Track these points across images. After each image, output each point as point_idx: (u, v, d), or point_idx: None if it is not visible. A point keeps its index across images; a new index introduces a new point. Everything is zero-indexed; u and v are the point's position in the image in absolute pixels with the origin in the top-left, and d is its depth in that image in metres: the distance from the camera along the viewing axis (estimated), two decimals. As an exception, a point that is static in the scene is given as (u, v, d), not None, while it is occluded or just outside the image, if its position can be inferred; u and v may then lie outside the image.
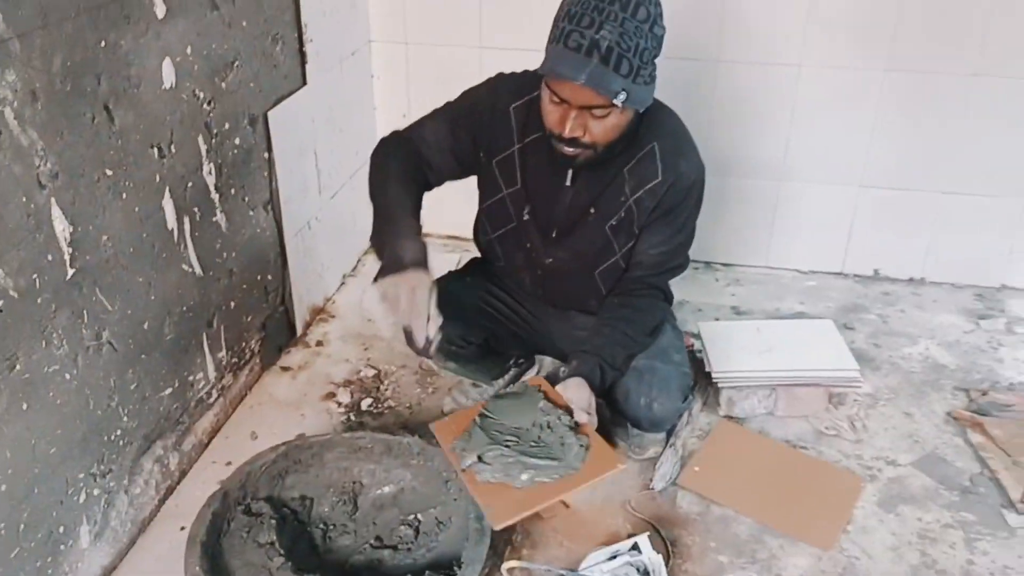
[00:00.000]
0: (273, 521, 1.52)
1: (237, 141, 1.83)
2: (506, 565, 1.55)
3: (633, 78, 1.42)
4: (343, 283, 2.47)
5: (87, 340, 1.43)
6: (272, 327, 2.09)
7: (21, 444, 1.31)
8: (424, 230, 2.73)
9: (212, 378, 1.85)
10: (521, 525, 1.66)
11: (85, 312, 1.41)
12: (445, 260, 2.56)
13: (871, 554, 1.63)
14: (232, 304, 1.89)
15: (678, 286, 1.83)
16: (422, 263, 1.52)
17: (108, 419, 1.51)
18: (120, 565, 1.59)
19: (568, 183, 1.64)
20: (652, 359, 1.72)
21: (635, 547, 1.51)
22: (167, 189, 1.60)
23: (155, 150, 1.55)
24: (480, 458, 1.48)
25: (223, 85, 1.75)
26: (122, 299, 1.50)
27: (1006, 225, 2.43)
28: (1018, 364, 2.18)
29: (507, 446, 1.49)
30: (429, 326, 1.48)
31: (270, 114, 1.94)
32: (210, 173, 1.74)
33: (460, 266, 2.02)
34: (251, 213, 1.93)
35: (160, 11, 1.51)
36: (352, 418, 1.96)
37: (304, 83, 2.10)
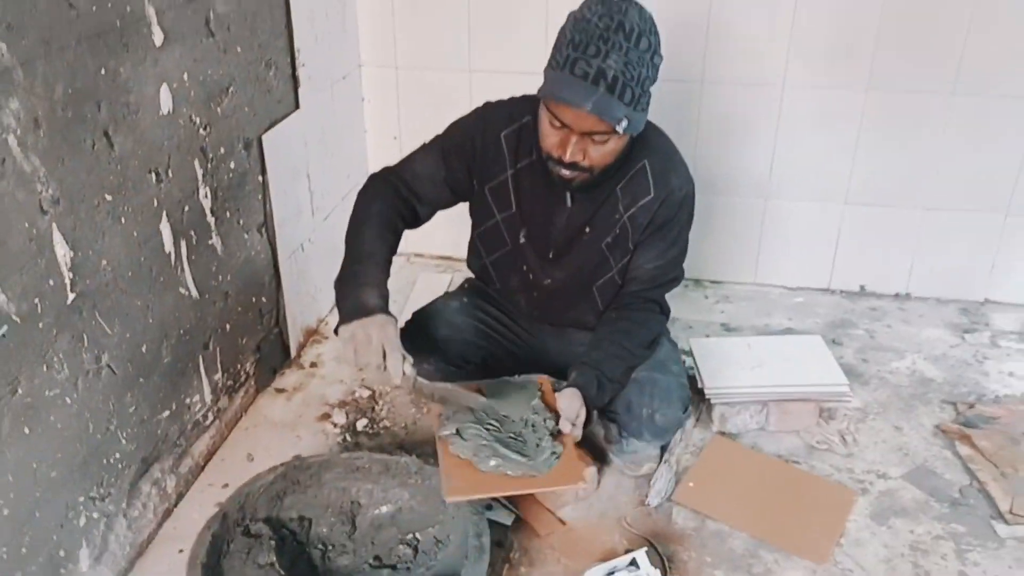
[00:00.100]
0: (272, 542, 1.53)
1: (232, 165, 1.85)
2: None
3: (634, 106, 1.47)
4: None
5: (87, 364, 1.44)
6: (267, 349, 2.10)
7: (23, 468, 1.31)
8: (416, 251, 2.79)
9: (208, 400, 1.85)
10: (519, 543, 1.68)
11: (85, 336, 1.42)
12: (437, 281, 2.59)
13: (865, 567, 1.65)
14: (227, 327, 1.90)
15: (670, 304, 1.86)
16: (385, 311, 1.55)
17: (107, 442, 1.52)
18: (119, 589, 1.59)
19: (563, 204, 1.68)
20: (652, 371, 1.76)
21: (633, 563, 1.52)
22: (164, 213, 1.61)
23: (153, 175, 1.57)
24: (459, 431, 1.56)
25: (218, 110, 1.77)
26: (121, 323, 1.51)
27: (988, 240, 2.47)
28: (1003, 377, 2.22)
29: (487, 429, 1.57)
30: (404, 363, 1.51)
31: (264, 138, 1.96)
32: (206, 197, 1.75)
33: (454, 287, 2.04)
34: (246, 236, 1.94)
35: (158, 39, 1.53)
36: (348, 439, 1.97)
37: (297, 107, 2.12)
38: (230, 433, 1.96)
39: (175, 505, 1.75)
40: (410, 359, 1.53)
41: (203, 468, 1.85)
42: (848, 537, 1.72)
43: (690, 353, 2.12)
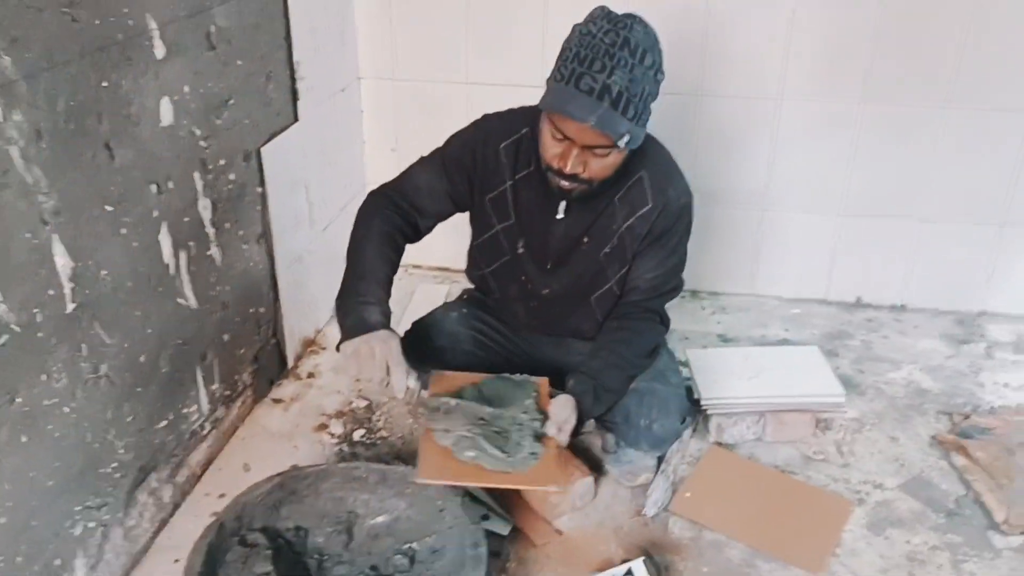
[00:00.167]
0: (268, 552, 1.53)
1: (232, 176, 1.86)
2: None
3: (636, 121, 1.49)
4: (334, 315, 2.49)
5: (85, 373, 1.45)
6: (264, 359, 2.11)
7: (20, 476, 1.32)
8: (414, 263, 2.80)
9: (205, 410, 1.86)
10: (515, 552, 1.68)
11: (84, 346, 1.43)
12: (435, 292, 2.60)
13: (861, 577, 1.66)
14: (225, 337, 1.91)
15: (665, 315, 1.88)
16: (387, 325, 1.58)
17: (104, 452, 1.52)
18: (115, 599, 1.59)
19: (561, 215, 1.69)
20: (651, 381, 1.77)
21: (629, 573, 1.53)
22: (164, 224, 1.63)
23: (153, 186, 1.58)
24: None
25: (218, 122, 1.78)
26: (120, 333, 1.52)
27: (984, 252, 2.49)
28: (998, 388, 2.23)
29: (474, 423, 1.59)
30: (408, 378, 1.53)
31: (263, 150, 1.98)
32: (205, 208, 1.77)
33: (451, 298, 2.05)
34: (244, 247, 1.95)
35: (159, 52, 1.55)
36: (345, 449, 1.97)
37: (296, 119, 2.14)
38: (227, 443, 1.96)
39: (171, 515, 1.76)
40: (414, 373, 1.55)
41: (200, 478, 1.86)
42: (844, 547, 1.72)
43: (687, 364, 2.13)
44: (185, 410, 1.78)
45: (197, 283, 1.76)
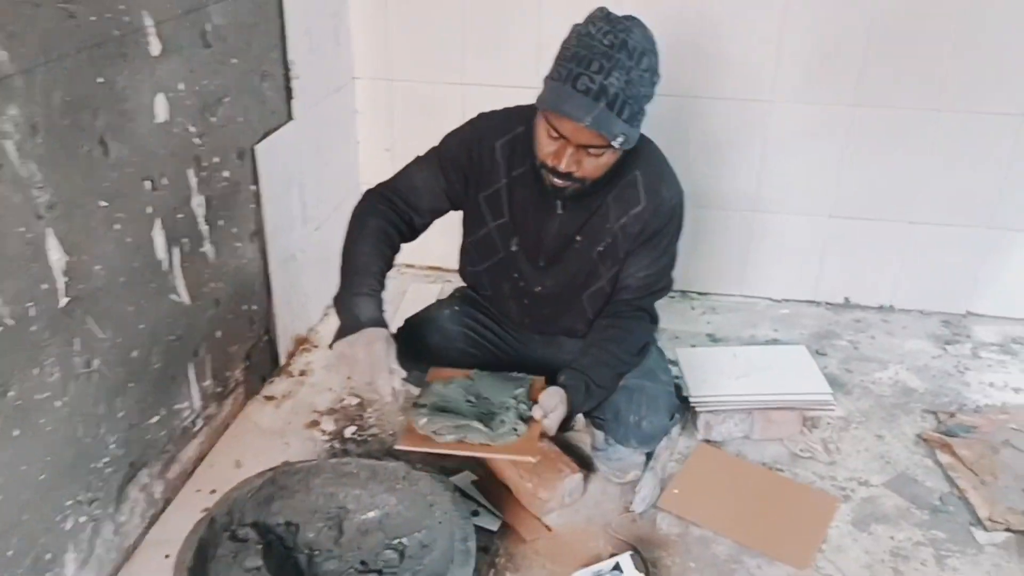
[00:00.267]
0: (259, 547, 1.54)
1: (226, 174, 1.87)
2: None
3: (631, 123, 1.51)
4: (326, 314, 2.50)
5: (78, 368, 1.45)
6: (256, 357, 2.12)
7: (11, 470, 1.33)
8: (406, 262, 2.81)
9: (197, 407, 1.87)
10: (504, 548, 1.69)
11: (76, 340, 1.44)
12: (428, 291, 2.61)
13: (846, 572, 1.67)
14: (218, 334, 1.92)
15: (655, 314, 1.90)
16: (379, 321, 1.60)
17: (96, 446, 1.53)
18: (106, 593, 1.60)
19: (555, 213, 1.71)
20: (641, 379, 1.79)
21: (617, 567, 1.54)
22: (158, 220, 1.64)
23: (148, 182, 1.59)
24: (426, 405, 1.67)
25: (213, 120, 1.80)
26: (112, 328, 1.53)
27: (970, 254, 2.51)
28: (984, 387, 2.25)
29: (464, 403, 1.66)
30: (392, 379, 1.55)
31: (257, 148, 1.99)
32: (199, 205, 1.78)
33: (444, 296, 2.07)
34: (238, 244, 1.97)
35: (155, 49, 1.56)
36: (336, 446, 1.98)
37: (290, 118, 2.15)
38: (219, 439, 1.97)
39: (162, 510, 1.76)
40: (400, 375, 1.56)
41: (191, 474, 1.87)
42: (830, 543, 1.74)
43: (676, 363, 2.14)
44: (177, 406, 1.79)
45: (190, 279, 1.77)
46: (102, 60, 1.42)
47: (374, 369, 1.54)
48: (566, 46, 1.53)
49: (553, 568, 1.65)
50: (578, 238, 1.73)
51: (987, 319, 2.56)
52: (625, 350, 1.75)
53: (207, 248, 1.83)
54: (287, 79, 2.11)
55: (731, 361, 2.15)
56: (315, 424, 2.05)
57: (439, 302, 1.99)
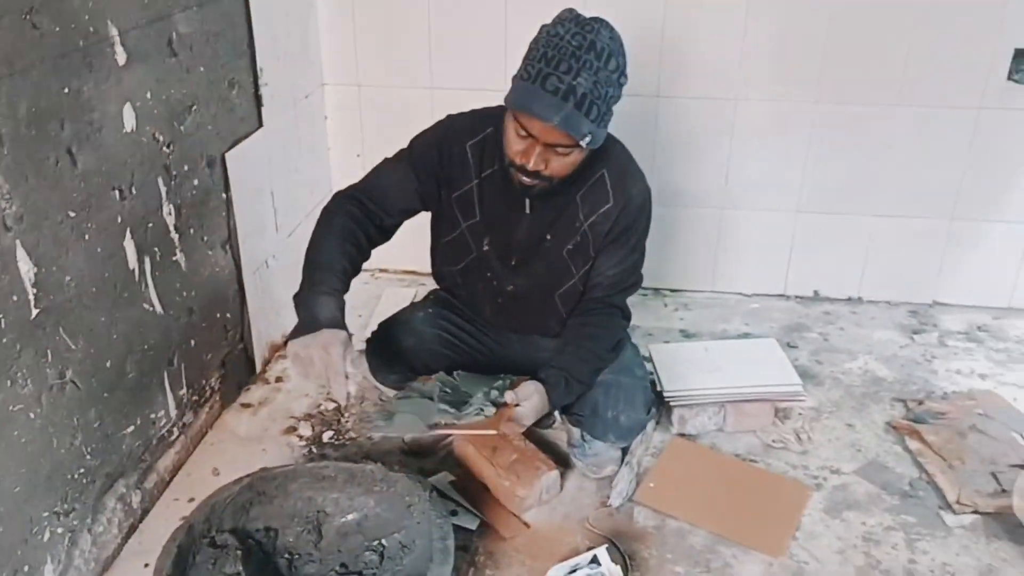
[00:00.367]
0: (239, 552, 1.54)
1: (196, 182, 1.87)
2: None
3: (598, 123, 1.53)
4: (302, 320, 2.50)
5: (51, 379, 1.45)
6: (232, 364, 2.12)
7: (-13, 482, 1.33)
8: (380, 266, 2.82)
9: (173, 416, 1.87)
10: (483, 547, 1.71)
11: (49, 351, 1.44)
12: (402, 295, 2.62)
13: (819, 558, 1.70)
14: (192, 342, 1.92)
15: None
16: (337, 321, 1.58)
17: (71, 457, 1.53)
18: (85, 604, 1.59)
19: (525, 212, 1.73)
20: (617, 374, 1.82)
21: (595, 560, 1.56)
22: (128, 230, 1.63)
23: (116, 192, 1.59)
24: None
25: (182, 128, 1.80)
26: (85, 338, 1.53)
27: (935, 245, 2.57)
28: (951, 375, 2.30)
29: (440, 393, 1.71)
30: (348, 383, 1.55)
31: (227, 155, 1.99)
32: (170, 214, 1.78)
33: (419, 299, 2.08)
34: (210, 252, 1.97)
35: (121, 58, 1.56)
36: (314, 451, 1.99)
37: (260, 125, 2.15)
38: (196, 448, 1.97)
39: (141, 520, 1.76)
40: (356, 378, 1.57)
41: (169, 483, 1.86)
42: (803, 530, 1.77)
43: (650, 358, 2.17)
44: (153, 415, 1.79)
45: (162, 289, 1.77)
46: (67, 70, 1.42)
47: (329, 372, 1.53)
48: (535, 46, 1.55)
49: (532, 564, 1.67)
50: (548, 237, 1.76)
51: (953, 308, 2.62)
52: (600, 346, 1.78)
53: (179, 257, 1.83)
54: (256, 86, 2.11)
55: (703, 356, 2.18)
56: (292, 430, 2.06)
57: (413, 305, 2.01)
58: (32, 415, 1.41)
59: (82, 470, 1.56)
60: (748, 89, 2.43)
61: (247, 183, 2.09)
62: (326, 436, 2.03)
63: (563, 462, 1.92)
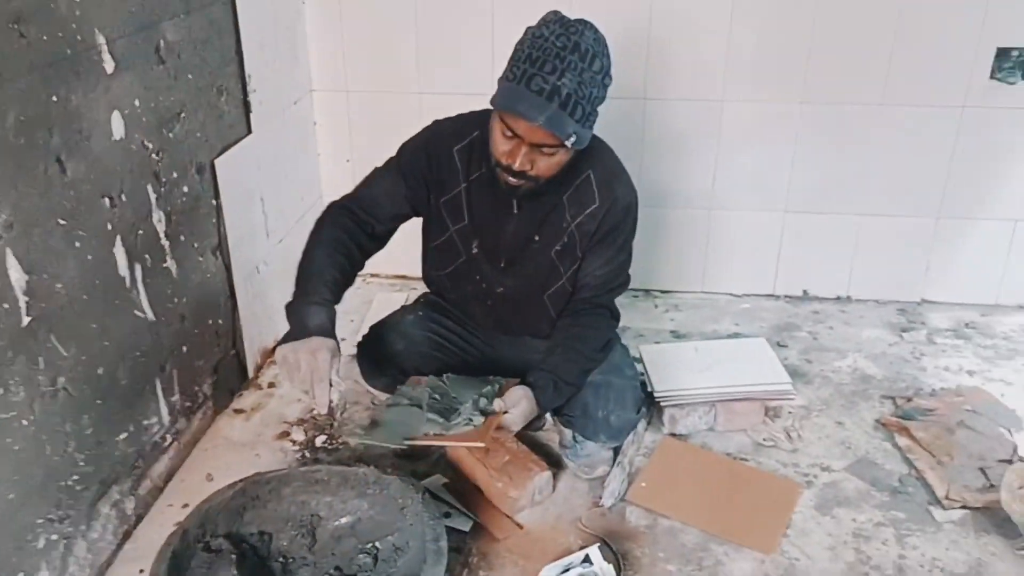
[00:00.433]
0: (233, 556, 1.54)
1: (185, 189, 1.88)
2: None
3: (583, 123, 1.55)
4: (293, 325, 2.51)
5: (43, 386, 1.45)
6: (224, 370, 2.12)
7: (-20, 490, 1.33)
8: (372, 271, 2.82)
9: (166, 422, 1.87)
10: (477, 548, 1.72)
11: (41, 359, 1.44)
12: (394, 300, 2.63)
13: (810, 555, 1.72)
14: (184, 348, 1.92)
15: (620, 314, 1.94)
16: (327, 330, 1.60)
17: (65, 464, 1.53)
18: (79, 611, 1.59)
19: (512, 214, 1.75)
20: (607, 374, 1.83)
21: (587, 559, 1.57)
22: (118, 237, 1.64)
23: (106, 199, 1.60)
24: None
25: (170, 135, 1.80)
26: (77, 345, 1.53)
27: (921, 243, 2.59)
28: (939, 371, 2.32)
29: (429, 400, 1.71)
30: (331, 391, 1.56)
31: (217, 162, 2.00)
32: (160, 221, 1.78)
33: (409, 303, 2.09)
34: (200, 259, 1.97)
35: (109, 67, 1.57)
36: (307, 455, 1.99)
37: (249, 131, 2.16)
38: (189, 454, 1.97)
39: (135, 526, 1.76)
40: (341, 385, 1.58)
41: (163, 489, 1.87)
42: (794, 528, 1.78)
43: (640, 359, 2.18)
44: (145, 422, 1.79)
45: (153, 295, 1.77)
46: (55, 79, 1.43)
47: (314, 378, 1.54)
48: (520, 47, 1.57)
49: (525, 564, 1.68)
50: (536, 238, 1.77)
51: (941, 306, 2.64)
52: (589, 347, 1.79)
53: (169, 263, 1.83)
54: (245, 93, 2.12)
55: (693, 356, 2.19)
56: (285, 435, 2.06)
57: (403, 308, 2.02)
58: (25, 422, 1.41)
59: (76, 477, 1.56)
60: (734, 90, 2.45)
61: (237, 189, 2.10)
62: (319, 441, 2.03)
63: (555, 463, 1.93)
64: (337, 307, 1.69)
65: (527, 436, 1.97)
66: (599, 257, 1.78)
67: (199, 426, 2.03)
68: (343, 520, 1.68)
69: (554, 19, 1.57)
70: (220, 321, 2.09)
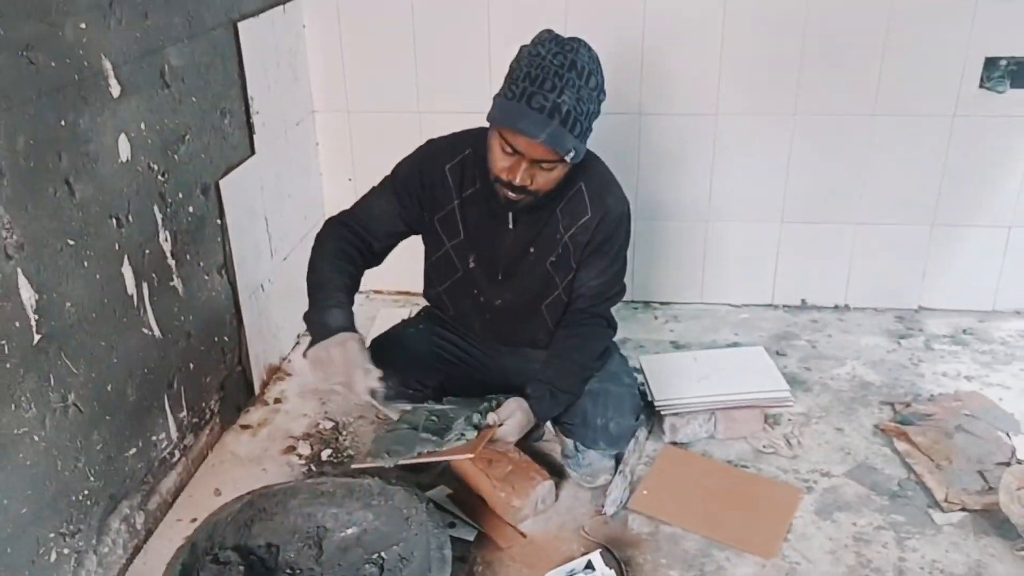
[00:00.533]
0: (241, 568, 1.58)
1: (191, 209, 1.92)
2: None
3: (581, 138, 1.60)
4: (298, 342, 2.54)
5: (54, 403, 1.49)
6: (230, 387, 2.16)
7: (-7, 504, 1.36)
8: (375, 288, 2.86)
9: (174, 438, 1.90)
10: (481, 556, 1.74)
11: (51, 376, 1.48)
12: (397, 316, 2.65)
13: (811, 559, 1.73)
14: (191, 365, 1.96)
15: (621, 325, 1.97)
16: (350, 327, 1.69)
17: (75, 479, 1.56)
18: (90, 625, 1.62)
19: (507, 228, 1.79)
20: (605, 383, 1.86)
21: (589, 565, 1.59)
22: (126, 257, 1.68)
23: (114, 220, 1.64)
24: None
25: (175, 157, 1.85)
26: (86, 362, 1.57)
27: (917, 251, 2.62)
28: (937, 377, 2.34)
29: (427, 421, 1.74)
30: (368, 378, 1.61)
31: (221, 183, 2.04)
32: (166, 240, 1.82)
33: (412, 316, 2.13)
34: (206, 277, 2.01)
35: (115, 91, 1.61)
36: (313, 469, 2.02)
37: (252, 152, 2.21)
38: (197, 469, 2.00)
39: (145, 541, 1.79)
40: (376, 372, 1.62)
41: (171, 504, 1.89)
42: (795, 532, 1.80)
43: (640, 370, 2.21)
44: (154, 438, 1.82)
45: (160, 313, 1.81)
46: (64, 104, 1.47)
47: (349, 367, 1.62)
48: (516, 66, 1.61)
49: (530, 573, 1.70)
50: (531, 250, 1.81)
51: (938, 312, 2.66)
52: (586, 356, 1.82)
53: (176, 282, 1.87)
54: (247, 115, 2.17)
55: (692, 365, 2.22)
56: (291, 449, 2.09)
57: (405, 321, 2.06)
58: (36, 438, 1.45)
59: (86, 492, 1.59)
60: (727, 104, 2.49)
61: (241, 209, 2.14)
62: (325, 454, 2.06)
63: (558, 473, 1.95)
64: (352, 311, 1.75)
65: (529, 447, 1.99)
66: (593, 268, 1.82)
67: (206, 442, 2.06)
68: (349, 531, 1.71)
69: (549, 38, 1.61)
70: (226, 338, 2.12)
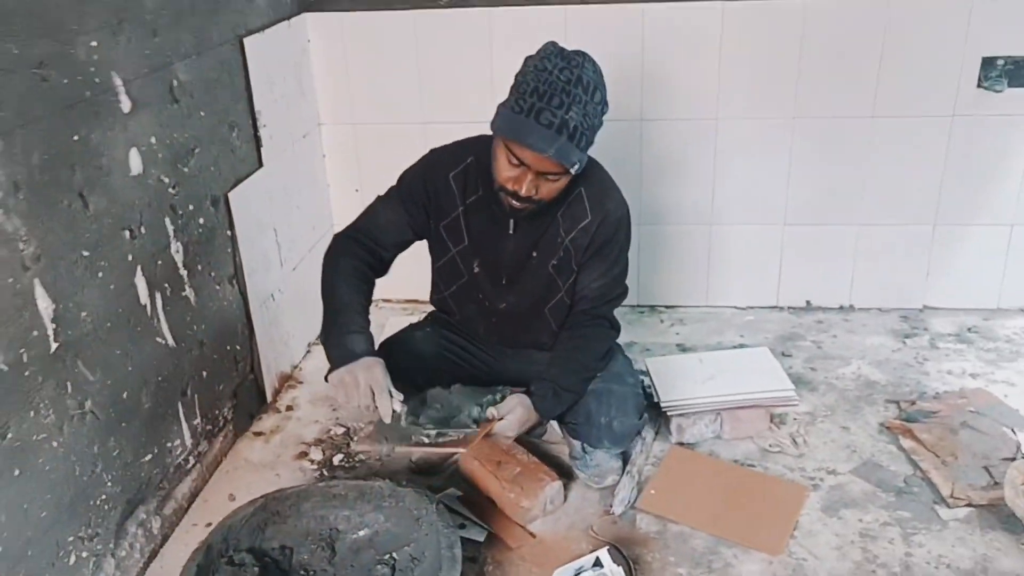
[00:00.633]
0: (256, 569, 1.61)
1: (201, 221, 1.96)
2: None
3: (585, 150, 1.64)
4: (308, 351, 2.58)
5: (71, 409, 1.53)
6: (243, 394, 2.19)
7: (14, 508, 1.39)
8: (383, 297, 2.90)
9: (189, 444, 1.94)
10: (491, 556, 1.76)
11: (68, 383, 1.52)
12: (405, 323, 2.68)
13: (817, 555, 1.75)
14: (204, 374, 1.99)
15: (627, 329, 2.00)
16: (373, 353, 1.74)
17: (93, 484, 1.60)
18: (109, 629, 1.65)
19: (509, 233, 1.82)
20: (609, 382, 1.89)
21: (597, 562, 1.61)
22: (139, 267, 1.72)
23: (126, 232, 1.68)
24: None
25: (185, 170, 1.89)
26: (102, 370, 1.61)
27: (920, 251, 2.63)
28: (942, 375, 2.36)
29: (431, 408, 1.80)
30: (393, 402, 1.68)
31: (230, 195, 2.08)
32: (178, 251, 1.86)
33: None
34: (217, 287, 2.05)
35: (126, 106, 1.66)
36: (325, 473, 2.05)
37: (260, 165, 2.25)
38: (211, 475, 2.04)
39: (161, 545, 1.82)
40: (399, 396, 1.67)
41: (187, 510, 1.93)
42: (801, 529, 1.82)
43: (646, 372, 2.23)
44: (169, 444, 1.86)
45: (173, 322, 1.85)
46: (76, 119, 1.52)
47: (375, 388, 1.68)
48: (523, 79, 1.65)
49: (539, 572, 1.72)
50: (533, 254, 1.85)
51: (943, 311, 2.68)
52: (589, 356, 1.86)
53: (188, 292, 1.91)
54: (255, 128, 2.21)
55: (697, 366, 2.24)
56: (304, 455, 2.12)
57: (412, 325, 2.10)
58: (55, 444, 1.48)
59: (104, 497, 1.63)
60: (728, 108, 2.52)
61: (250, 220, 2.18)
62: (336, 459, 2.09)
63: (566, 474, 1.97)
64: (372, 335, 1.83)
65: (538, 448, 2.02)
66: (594, 270, 1.85)
67: (220, 448, 2.09)
68: (361, 533, 1.73)
69: (554, 51, 1.65)
70: (238, 347, 2.16)
